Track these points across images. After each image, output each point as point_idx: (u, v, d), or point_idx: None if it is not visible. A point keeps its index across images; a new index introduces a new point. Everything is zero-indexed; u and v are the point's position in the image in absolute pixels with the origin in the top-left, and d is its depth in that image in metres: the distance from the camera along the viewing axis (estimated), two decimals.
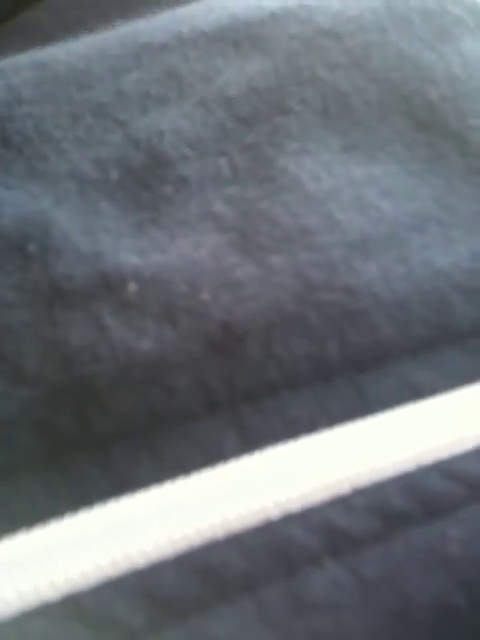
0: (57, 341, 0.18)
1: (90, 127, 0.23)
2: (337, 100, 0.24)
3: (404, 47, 0.25)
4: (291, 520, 0.16)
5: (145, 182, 0.22)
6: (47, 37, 0.27)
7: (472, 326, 0.19)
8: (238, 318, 0.19)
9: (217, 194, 0.21)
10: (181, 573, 0.15)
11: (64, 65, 0.24)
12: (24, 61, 0.25)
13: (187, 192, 0.21)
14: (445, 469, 0.17)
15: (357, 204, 0.21)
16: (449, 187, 0.22)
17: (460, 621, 0.15)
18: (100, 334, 0.18)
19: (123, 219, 0.21)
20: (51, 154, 0.22)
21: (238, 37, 0.25)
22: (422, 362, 0.19)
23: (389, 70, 0.24)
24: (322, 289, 0.19)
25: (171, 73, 0.24)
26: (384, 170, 0.22)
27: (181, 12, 0.27)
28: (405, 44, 0.25)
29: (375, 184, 0.22)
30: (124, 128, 0.23)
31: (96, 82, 0.24)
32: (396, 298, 0.19)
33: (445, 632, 0.15)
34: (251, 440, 0.17)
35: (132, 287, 0.19)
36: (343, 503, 0.16)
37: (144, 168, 0.22)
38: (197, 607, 0.15)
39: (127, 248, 0.20)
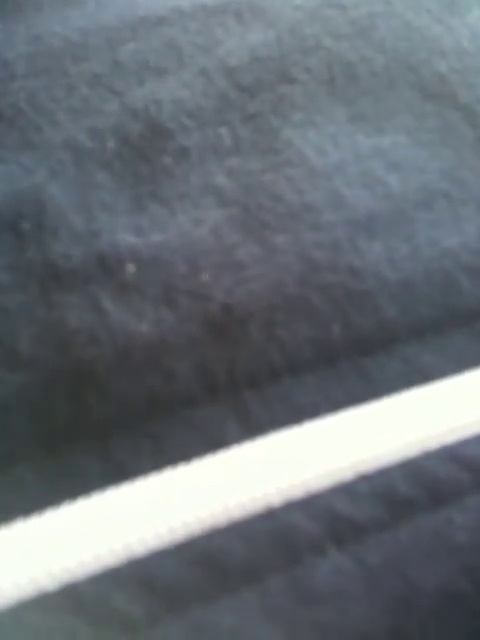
0: (53, 324, 0.18)
1: (85, 98, 0.22)
2: (343, 69, 0.23)
3: (410, 18, 0.25)
4: (294, 508, 0.16)
5: (143, 153, 0.21)
6: None
7: None
8: (239, 300, 0.18)
9: (218, 166, 0.21)
10: (181, 563, 0.15)
11: (59, 38, 0.24)
12: (19, 33, 0.24)
13: (187, 163, 0.21)
14: (451, 455, 0.17)
15: (363, 179, 0.21)
16: (459, 159, 0.21)
17: (466, 608, 0.15)
18: (98, 317, 0.18)
19: (121, 193, 0.20)
20: (45, 125, 0.22)
21: (240, 8, 0.25)
22: (428, 345, 0.18)
23: (396, 40, 0.24)
24: (326, 270, 0.19)
25: (170, 44, 0.24)
26: (392, 141, 0.22)
27: None
28: (411, 15, 0.25)
29: (382, 157, 0.21)
30: (121, 98, 0.22)
31: (92, 54, 0.23)
32: (401, 279, 0.19)
33: (450, 619, 0.15)
34: (253, 426, 0.17)
35: (130, 268, 0.19)
36: (347, 490, 0.16)
37: (142, 138, 0.21)
38: (198, 597, 0.15)
39: (125, 227, 0.20)
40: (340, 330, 0.18)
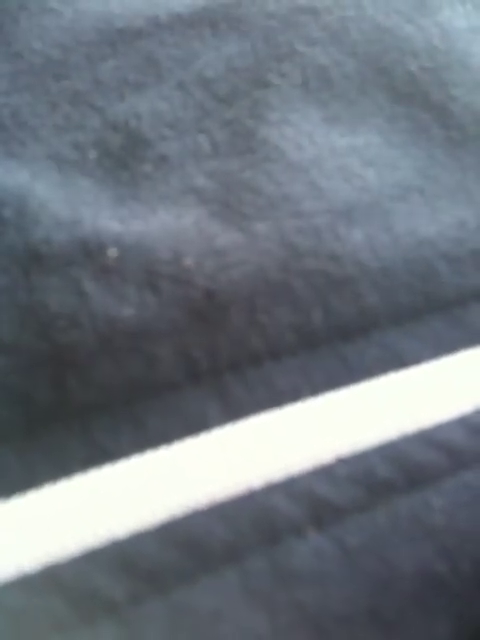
0: (35, 307, 0.18)
1: (67, 114, 0.23)
2: (316, 73, 0.24)
3: (381, 21, 0.25)
4: (274, 490, 0.16)
5: (124, 161, 0.21)
6: None
7: (457, 294, 0.19)
8: (222, 286, 0.18)
9: (198, 169, 0.21)
10: (163, 544, 0.15)
11: (40, 56, 0.24)
12: None
13: (167, 169, 0.21)
14: (429, 438, 0.17)
15: (341, 173, 0.21)
16: (430, 158, 0.22)
17: (444, 590, 0.15)
18: (79, 300, 0.18)
19: (103, 193, 0.20)
20: (28, 139, 0.22)
21: (215, 18, 0.25)
22: (407, 331, 0.19)
23: (367, 43, 0.25)
24: (307, 256, 0.19)
25: (148, 59, 0.24)
26: (366, 141, 0.22)
27: None
28: (382, 18, 0.25)
29: (357, 154, 0.22)
30: (102, 114, 0.23)
31: (73, 71, 0.24)
32: (381, 266, 0.19)
33: (429, 601, 0.15)
34: (234, 409, 0.17)
35: (112, 253, 0.19)
36: (326, 473, 0.16)
37: (122, 148, 0.22)
38: (179, 578, 0.15)
39: (107, 216, 0.20)
40: (321, 316, 0.18)
